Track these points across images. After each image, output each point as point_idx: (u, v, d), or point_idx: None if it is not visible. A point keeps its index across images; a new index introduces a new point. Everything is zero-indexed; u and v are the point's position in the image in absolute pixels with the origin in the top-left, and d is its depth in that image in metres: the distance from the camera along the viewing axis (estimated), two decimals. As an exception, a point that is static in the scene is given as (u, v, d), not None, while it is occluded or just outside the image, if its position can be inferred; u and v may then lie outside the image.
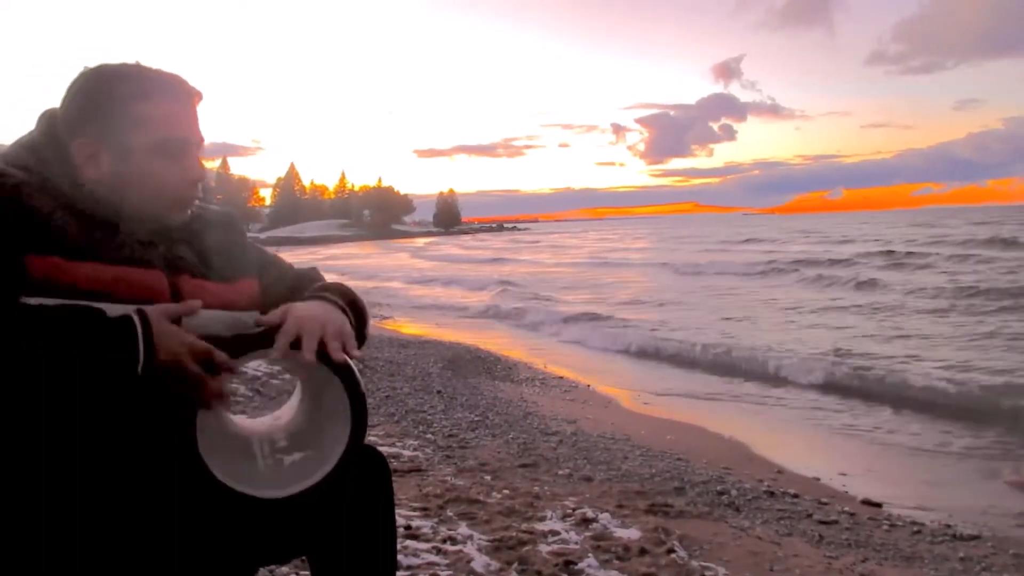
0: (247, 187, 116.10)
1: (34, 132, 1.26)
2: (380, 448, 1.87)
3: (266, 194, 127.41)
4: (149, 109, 1.22)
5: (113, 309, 1.10)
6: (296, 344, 1.19)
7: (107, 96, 1.22)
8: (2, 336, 1.01)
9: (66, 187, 1.20)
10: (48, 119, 1.26)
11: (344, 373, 1.22)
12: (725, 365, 8.61)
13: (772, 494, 4.17)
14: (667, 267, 26.40)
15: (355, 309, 1.35)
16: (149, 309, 1.12)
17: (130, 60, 1.26)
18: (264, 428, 1.36)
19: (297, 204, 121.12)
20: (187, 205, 1.29)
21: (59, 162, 1.21)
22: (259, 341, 1.20)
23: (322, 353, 1.21)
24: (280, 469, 1.27)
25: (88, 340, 1.05)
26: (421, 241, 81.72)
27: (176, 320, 1.14)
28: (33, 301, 1.08)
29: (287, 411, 1.40)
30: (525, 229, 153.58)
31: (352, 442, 1.24)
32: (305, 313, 1.23)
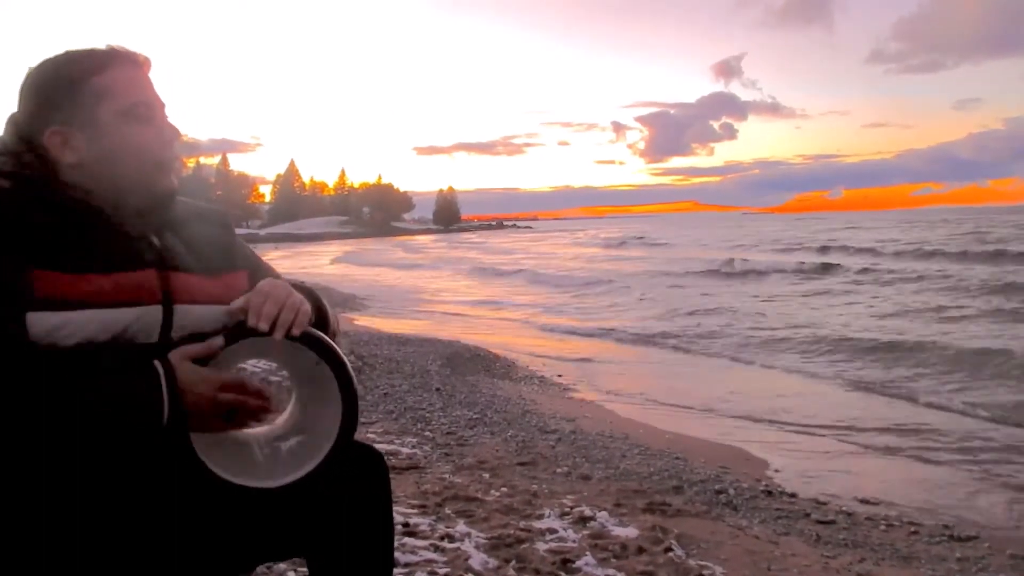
0: (247, 183, 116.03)
1: (4, 137, 1.25)
2: (378, 445, 1.87)
3: (266, 191, 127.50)
4: (107, 80, 1.22)
5: (110, 321, 1.13)
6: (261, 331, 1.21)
7: (63, 81, 1.22)
8: (16, 376, 1.05)
9: (50, 188, 1.20)
10: (17, 123, 1.25)
11: (336, 365, 1.23)
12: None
13: (770, 493, 4.17)
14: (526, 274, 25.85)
15: (318, 308, 1.35)
16: (173, 355, 1.15)
17: (72, 48, 1.27)
18: (261, 430, 1.37)
19: (297, 201, 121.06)
20: (170, 167, 1.29)
21: (39, 163, 1.21)
22: (245, 330, 1.20)
23: (304, 335, 1.23)
24: (278, 457, 1.27)
25: (114, 395, 1.09)
26: (396, 240, 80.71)
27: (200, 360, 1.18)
28: (35, 319, 1.10)
29: (283, 413, 1.41)
30: (526, 227, 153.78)
31: (344, 429, 1.25)
32: (265, 283, 1.26)
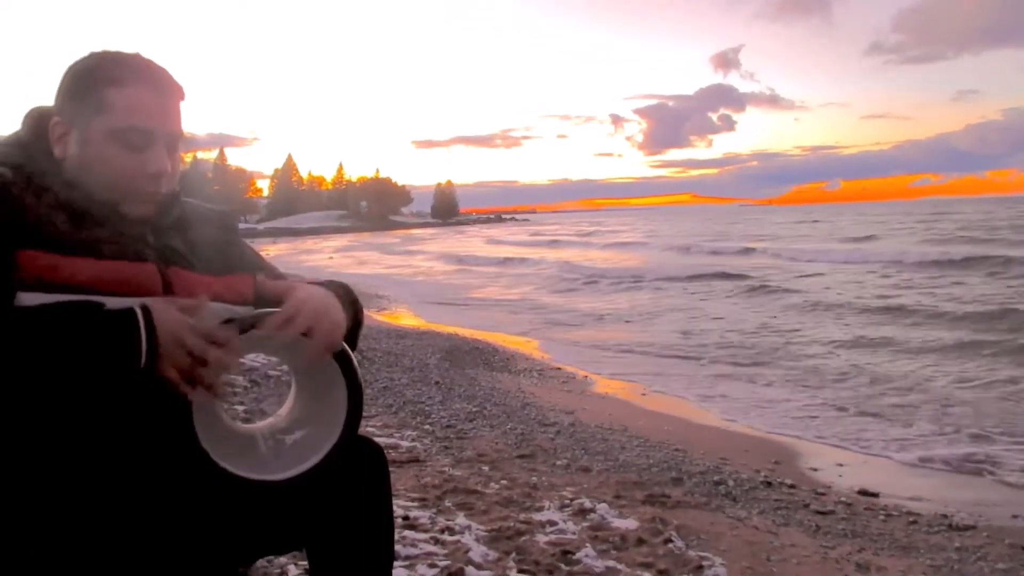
0: (244, 178, 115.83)
1: (21, 131, 1.26)
2: (378, 439, 1.87)
3: (263, 185, 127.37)
4: (118, 96, 1.20)
5: (114, 303, 1.10)
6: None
7: (84, 79, 1.22)
8: (3, 333, 1.02)
9: (54, 182, 1.19)
10: (35, 118, 1.26)
11: (343, 359, 1.24)
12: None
13: (769, 484, 4.18)
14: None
15: (354, 311, 1.35)
16: (152, 301, 1.12)
17: (129, 50, 1.25)
18: (265, 423, 1.37)
19: (295, 195, 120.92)
20: (145, 198, 1.24)
21: (47, 159, 1.21)
22: (252, 324, 1.20)
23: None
24: (281, 450, 1.27)
25: (90, 330, 1.05)
26: (398, 236, 79.10)
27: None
28: (27, 298, 1.08)
29: (287, 403, 1.41)
30: (524, 220, 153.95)
31: (349, 423, 1.25)
32: (308, 295, 1.24)
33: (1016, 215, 46.83)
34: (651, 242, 38.68)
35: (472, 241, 52.45)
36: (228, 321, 1.18)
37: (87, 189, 1.21)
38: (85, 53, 1.25)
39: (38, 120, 1.25)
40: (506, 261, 28.31)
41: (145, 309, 1.10)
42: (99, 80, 1.21)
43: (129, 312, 1.09)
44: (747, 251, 27.95)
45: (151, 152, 1.22)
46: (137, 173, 1.22)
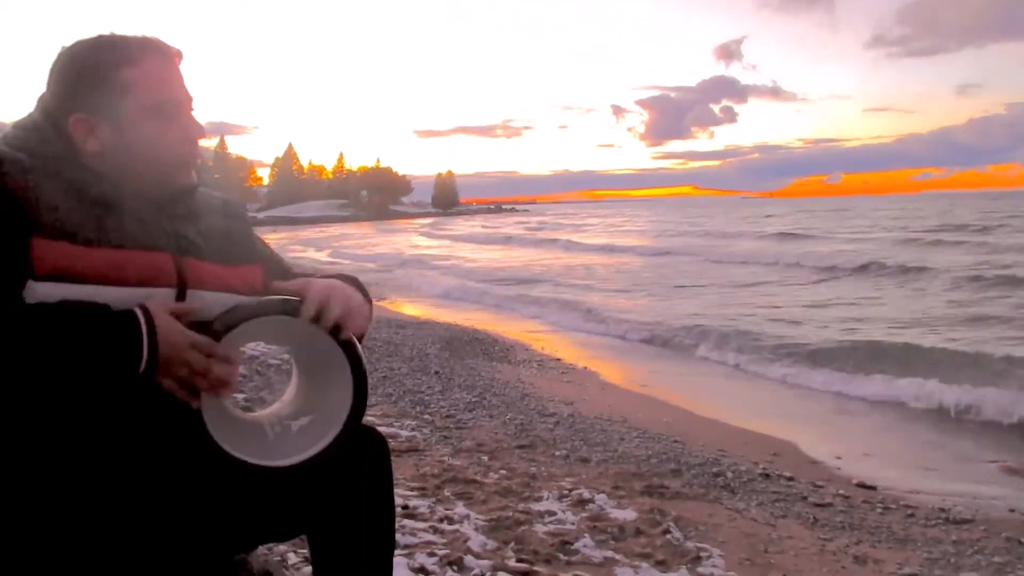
0: (245, 167, 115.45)
1: (33, 114, 1.25)
2: (377, 428, 1.87)
3: (264, 174, 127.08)
4: (135, 73, 1.20)
5: (117, 299, 1.11)
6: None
7: (92, 68, 1.21)
8: (6, 334, 1.02)
9: (70, 168, 1.19)
10: (45, 102, 1.25)
11: (348, 347, 1.24)
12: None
13: (767, 476, 4.20)
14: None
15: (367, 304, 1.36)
16: (152, 304, 1.12)
17: (105, 32, 1.25)
18: (270, 410, 1.37)
19: (295, 184, 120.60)
20: (191, 164, 1.28)
21: (61, 142, 1.20)
22: (262, 310, 1.20)
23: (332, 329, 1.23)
24: (288, 436, 1.28)
25: (92, 338, 1.06)
26: (407, 224, 77.69)
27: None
28: (40, 288, 1.08)
29: (290, 391, 1.42)
30: (524, 211, 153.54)
31: (354, 413, 1.25)
32: (330, 284, 1.25)
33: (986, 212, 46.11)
34: (577, 239, 35.60)
35: (415, 234, 51.03)
36: (234, 307, 1.18)
37: (129, 175, 1.21)
38: (63, 48, 1.23)
39: (48, 106, 1.24)
40: (394, 256, 27.38)
41: (148, 317, 1.10)
42: (110, 64, 1.20)
43: (132, 320, 1.09)
44: (665, 252, 26.25)
45: (183, 117, 1.25)
46: (180, 141, 1.25)
